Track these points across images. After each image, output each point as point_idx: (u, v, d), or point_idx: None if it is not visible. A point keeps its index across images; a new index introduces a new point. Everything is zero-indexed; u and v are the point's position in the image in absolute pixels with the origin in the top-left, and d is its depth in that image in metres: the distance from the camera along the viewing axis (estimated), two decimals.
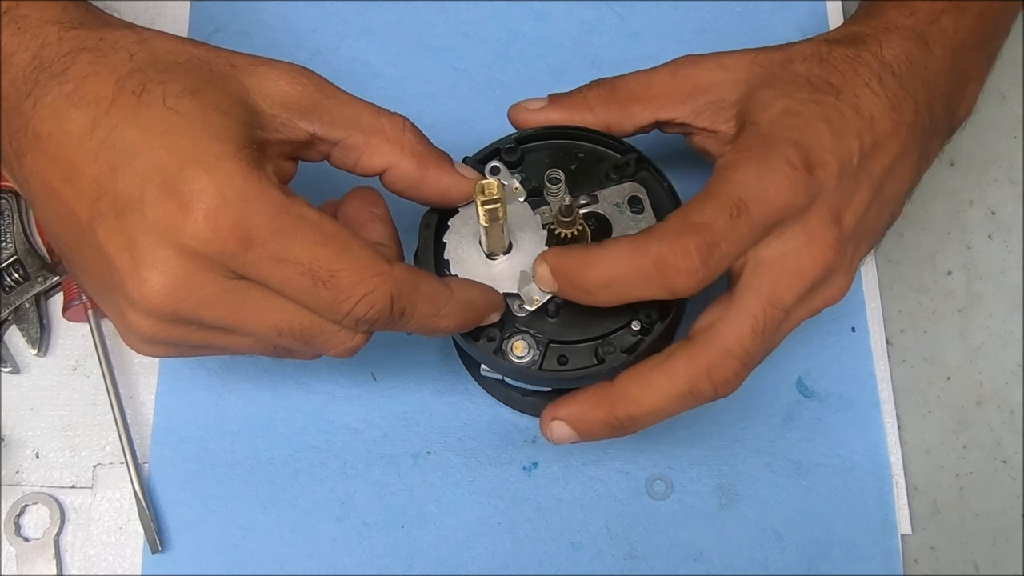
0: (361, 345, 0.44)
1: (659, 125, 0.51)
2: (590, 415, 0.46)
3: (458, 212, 0.49)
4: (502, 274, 0.48)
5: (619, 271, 0.44)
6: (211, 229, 0.38)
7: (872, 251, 0.50)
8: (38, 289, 0.58)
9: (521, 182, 0.49)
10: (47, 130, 0.40)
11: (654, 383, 0.45)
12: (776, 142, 0.45)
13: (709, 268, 0.43)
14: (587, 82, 0.52)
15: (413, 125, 0.46)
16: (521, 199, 0.49)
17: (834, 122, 0.46)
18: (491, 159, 0.50)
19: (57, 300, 0.59)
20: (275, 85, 0.43)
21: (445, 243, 0.48)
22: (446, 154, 0.47)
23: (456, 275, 0.48)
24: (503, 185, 0.47)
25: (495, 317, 0.47)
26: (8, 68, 0.42)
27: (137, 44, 0.42)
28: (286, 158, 0.45)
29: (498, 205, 0.44)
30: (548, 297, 0.47)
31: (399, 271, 0.42)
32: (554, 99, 0.51)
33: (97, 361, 0.56)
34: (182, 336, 0.42)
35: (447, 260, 0.48)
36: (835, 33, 0.52)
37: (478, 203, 0.44)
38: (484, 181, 0.44)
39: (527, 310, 0.48)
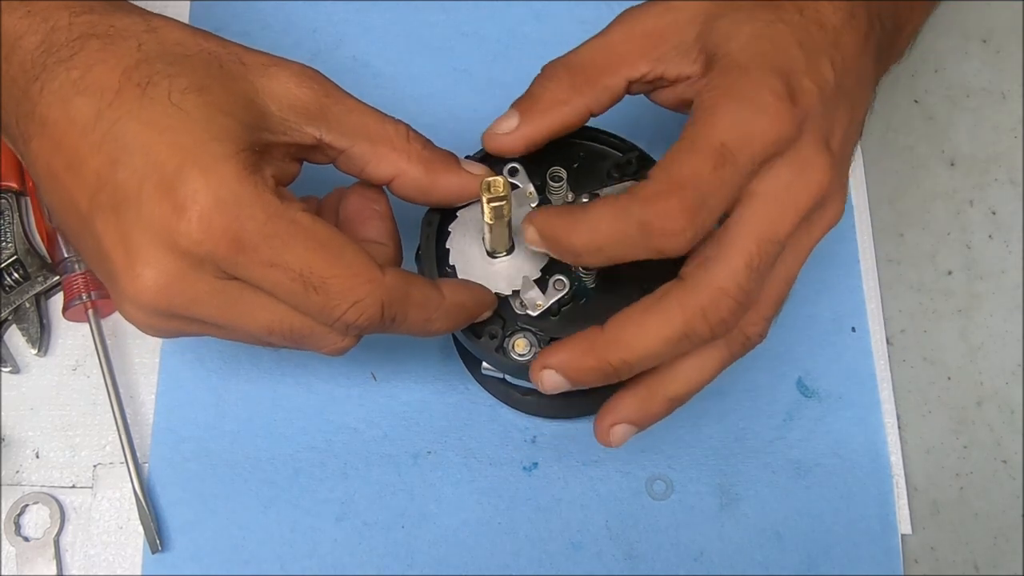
0: (351, 346, 0.44)
1: (629, 87, 0.48)
2: (581, 362, 0.44)
3: (459, 211, 0.49)
4: (503, 273, 0.48)
5: (604, 236, 0.42)
6: (203, 231, 0.39)
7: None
8: (38, 289, 0.58)
9: (517, 174, 0.49)
10: (53, 116, 0.40)
11: (647, 326, 0.43)
12: (753, 72, 0.43)
13: (697, 227, 0.41)
14: (538, 74, 0.49)
15: (416, 131, 0.46)
16: (533, 205, 0.49)
17: (806, 44, 0.44)
18: (491, 158, 0.50)
19: (57, 300, 0.59)
20: (285, 87, 0.43)
21: (448, 240, 0.48)
22: (452, 154, 0.47)
23: (457, 273, 0.48)
24: (510, 184, 0.47)
25: (487, 315, 0.47)
26: (17, 51, 0.42)
27: (147, 33, 0.42)
28: (291, 159, 0.45)
29: (504, 203, 0.44)
30: (551, 302, 0.47)
31: (391, 278, 0.42)
32: (523, 111, 0.48)
33: (97, 361, 0.56)
34: (177, 328, 0.43)
35: (450, 258, 0.48)
36: None
37: (484, 200, 0.44)
38: (490, 178, 0.44)
39: (530, 314, 0.48)
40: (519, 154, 0.48)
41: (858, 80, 0.46)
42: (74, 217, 0.42)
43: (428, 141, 0.47)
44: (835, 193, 0.45)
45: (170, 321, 0.42)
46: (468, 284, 0.47)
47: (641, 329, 0.43)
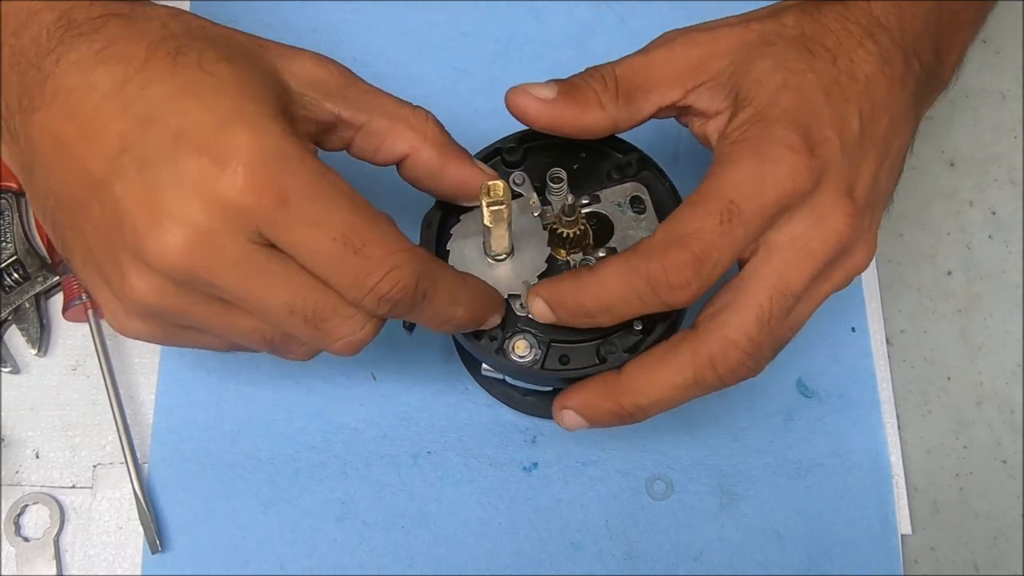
0: (368, 339, 0.43)
1: (658, 112, 0.49)
2: (598, 405, 0.46)
3: (461, 214, 0.49)
4: (503, 276, 0.48)
5: (614, 294, 0.44)
6: (249, 183, 0.37)
7: (886, 210, 0.49)
8: (38, 289, 0.58)
9: (522, 183, 0.49)
10: (69, 85, 0.39)
11: (659, 374, 0.45)
12: (773, 125, 0.44)
13: (703, 279, 0.43)
14: (582, 71, 0.49)
15: (436, 118, 0.47)
16: (536, 214, 0.49)
17: (833, 94, 0.45)
18: (492, 159, 0.50)
19: (57, 300, 0.59)
20: (303, 66, 0.43)
21: (449, 242, 0.48)
22: (465, 150, 0.47)
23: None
24: (513, 191, 0.47)
25: (496, 320, 0.47)
26: (30, 25, 0.41)
27: (169, 16, 0.41)
28: (310, 140, 0.44)
29: (503, 206, 0.44)
30: None
31: (423, 253, 0.41)
32: (563, 92, 0.47)
33: (97, 361, 0.56)
34: (183, 308, 0.41)
35: (449, 261, 0.48)
36: None
37: (483, 204, 0.44)
38: (490, 182, 0.44)
39: (532, 317, 0.48)
40: (535, 126, 0.48)
41: (891, 124, 0.46)
42: (80, 189, 0.40)
43: (445, 130, 0.47)
44: (858, 241, 0.45)
45: (180, 295, 0.40)
46: (481, 279, 0.47)
47: (654, 376, 0.45)
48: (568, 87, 0.48)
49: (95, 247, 0.41)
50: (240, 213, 0.38)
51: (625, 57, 0.48)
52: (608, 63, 0.48)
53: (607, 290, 0.44)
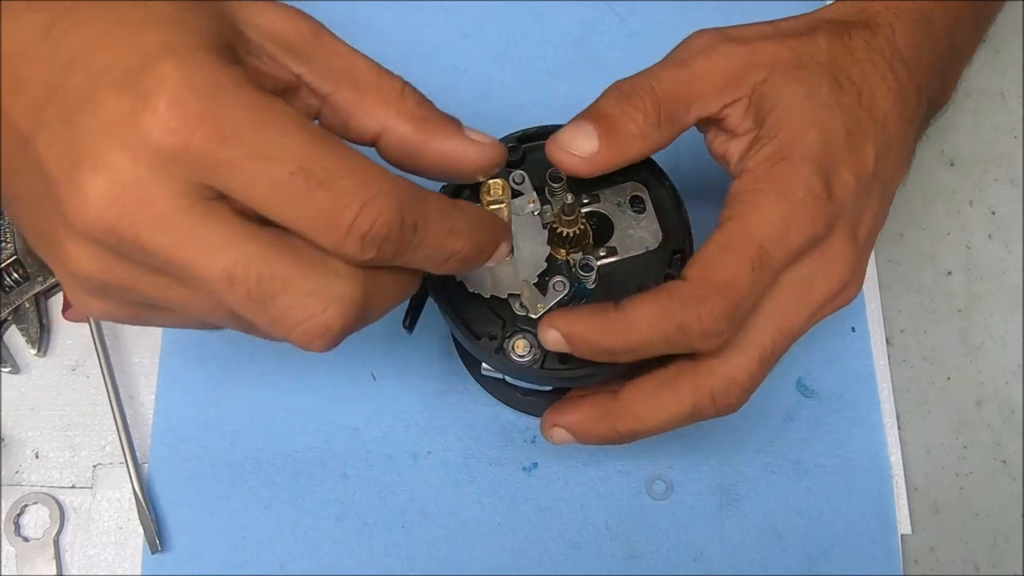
0: (335, 326, 0.35)
1: (695, 124, 0.47)
2: (592, 427, 0.46)
3: None
4: (503, 275, 0.48)
5: (643, 337, 0.42)
6: (175, 118, 0.32)
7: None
8: (38, 289, 0.58)
9: (522, 182, 0.49)
10: None
11: (659, 402, 0.45)
12: (798, 167, 0.43)
13: (735, 327, 0.43)
14: (608, 89, 0.46)
15: (414, 88, 0.41)
16: (535, 212, 0.49)
17: (854, 133, 0.44)
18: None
19: (57, 300, 0.59)
20: (267, 18, 0.38)
21: None
22: (455, 119, 0.42)
23: (456, 275, 0.48)
24: (512, 190, 0.47)
25: (505, 250, 0.42)
26: None
27: None
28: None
29: (502, 205, 0.44)
30: (552, 304, 0.47)
31: (403, 180, 0.35)
32: (606, 135, 0.44)
33: (97, 361, 0.56)
34: (127, 281, 0.35)
35: None
36: (848, 8, 0.48)
37: (483, 202, 0.44)
38: (490, 181, 0.44)
39: (531, 316, 0.48)
40: (584, 178, 0.46)
41: (898, 158, 0.47)
42: (11, 148, 0.35)
43: (427, 100, 0.41)
44: (852, 281, 0.46)
45: (116, 263, 0.34)
46: (480, 207, 0.44)
47: (653, 404, 0.45)
48: (608, 128, 0.44)
49: (34, 219, 0.36)
50: (171, 157, 0.32)
51: (663, 70, 0.46)
52: (646, 79, 0.45)
53: (636, 333, 0.42)
